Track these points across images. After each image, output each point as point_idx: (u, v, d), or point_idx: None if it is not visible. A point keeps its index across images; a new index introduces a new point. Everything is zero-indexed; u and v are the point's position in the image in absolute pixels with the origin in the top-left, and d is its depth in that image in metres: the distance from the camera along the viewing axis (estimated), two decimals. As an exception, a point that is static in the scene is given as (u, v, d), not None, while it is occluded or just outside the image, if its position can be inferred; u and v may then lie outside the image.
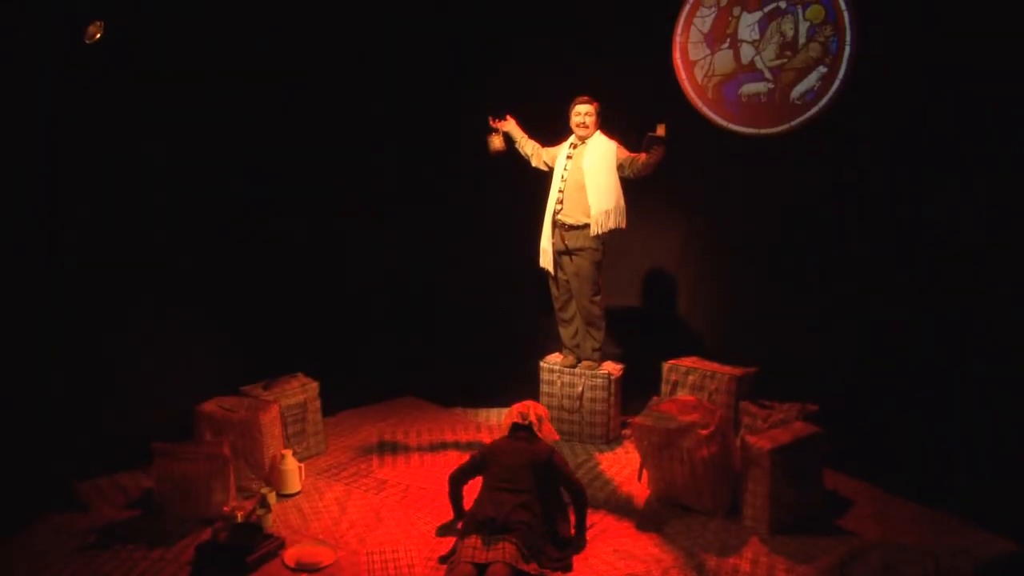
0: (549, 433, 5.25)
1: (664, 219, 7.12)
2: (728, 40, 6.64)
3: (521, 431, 5.15)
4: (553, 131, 6.46)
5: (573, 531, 5.01)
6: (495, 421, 6.87)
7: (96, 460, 5.73)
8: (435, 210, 7.77)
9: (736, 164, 6.72)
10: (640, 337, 7.18)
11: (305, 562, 4.77)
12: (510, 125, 6.48)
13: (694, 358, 6.46)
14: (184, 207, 6.26)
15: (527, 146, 6.50)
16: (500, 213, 7.46)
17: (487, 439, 6.51)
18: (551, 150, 6.46)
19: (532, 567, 4.55)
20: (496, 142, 6.40)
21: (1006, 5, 5.51)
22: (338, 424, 6.77)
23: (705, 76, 6.76)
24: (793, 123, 6.45)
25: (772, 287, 6.68)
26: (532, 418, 5.18)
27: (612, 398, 6.44)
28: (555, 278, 6.47)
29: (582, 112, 6.23)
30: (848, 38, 6.18)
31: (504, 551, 4.49)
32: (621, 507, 5.50)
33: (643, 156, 6.06)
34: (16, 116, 5.38)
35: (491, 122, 6.43)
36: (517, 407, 5.28)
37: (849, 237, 6.33)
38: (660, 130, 5.94)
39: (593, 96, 6.24)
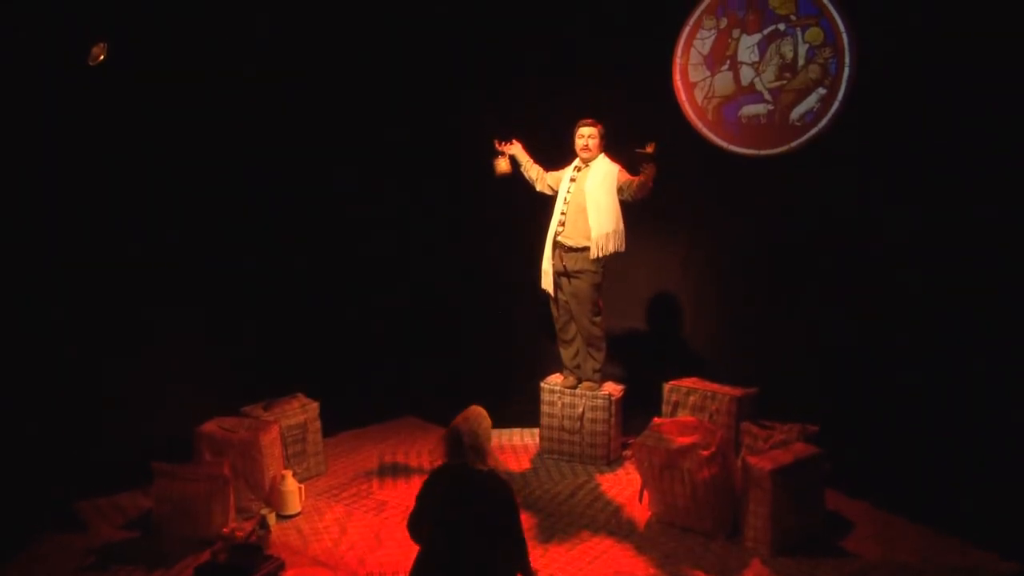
0: (495, 459, 4.40)
1: (664, 240, 7.12)
2: (728, 62, 6.68)
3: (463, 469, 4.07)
4: (553, 152, 6.48)
5: None
6: (494, 442, 6.85)
7: (95, 480, 5.72)
8: (436, 229, 7.78)
9: (736, 185, 6.73)
10: (641, 358, 7.17)
11: (304, 583, 4.76)
12: (516, 149, 6.50)
13: (695, 379, 6.46)
14: (183, 226, 6.27)
15: (532, 170, 6.51)
16: (502, 233, 7.47)
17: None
18: (555, 174, 6.48)
19: None
20: (502, 165, 6.42)
21: (1004, 25, 5.55)
22: (338, 445, 6.76)
23: (705, 98, 6.79)
24: (793, 144, 6.47)
25: (772, 308, 6.67)
26: (466, 444, 4.09)
27: (613, 419, 6.42)
28: (555, 299, 6.48)
29: (585, 135, 6.26)
30: (847, 60, 6.21)
31: None
32: (622, 529, 5.48)
33: (637, 178, 6.08)
34: (19, 126, 5.40)
35: (497, 145, 6.46)
36: (444, 439, 4.22)
37: (850, 257, 6.33)
38: (649, 148, 5.96)
39: (597, 119, 6.27)
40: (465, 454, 4.06)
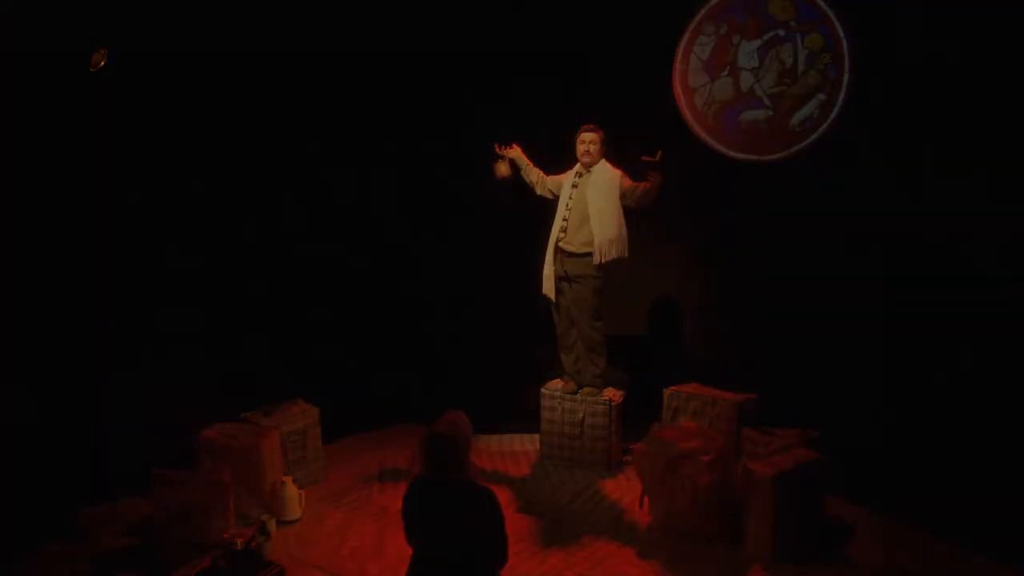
0: (474, 468, 4.27)
1: (664, 246, 7.13)
2: (728, 68, 6.68)
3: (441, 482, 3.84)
4: (553, 159, 6.49)
5: None
6: (495, 448, 6.86)
7: (96, 487, 5.71)
8: (437, 236, 7.78)
9: (736, 191, 6.74)
10: (641, 364, 7.17)
11: (305, 590, 4.75)
12: (516, 152, 6.52)
13: (695, 385, 6.45)
14: (185, 230, 6.27)
15: (532, 174, 6.53)
16: (503, 238, 7.46)
17: (487, 466, 6.51)
18: (556, 178, 6.49)
19: None
20: (502, 168, 6.45)
21: (1005, 31, 5.55)
22: (339, 451, 6.75)
23: (705, 103, 6.79)
24: (793, 150, 6.48)
25: (773, 313, 6.67)
26: (445, 451, 3.85)
27: (613, 425, 6.42)
28: (556, 305, 6.48)
29: (587, 140, 6.27)
30: (847, 65, 6.22)
31: None
32: (623, 535, 5.47)
33: (642, 185, 6.08)
34: (22, 129, 5.41)
35: (497, 149, 6.47)
36: (421, 446, 3.96)
37: (850, 262, 6.33)
38: (657, 155, 5.96)
39: (599, 125, 6.28)
40: (443, 463, 3.82)
